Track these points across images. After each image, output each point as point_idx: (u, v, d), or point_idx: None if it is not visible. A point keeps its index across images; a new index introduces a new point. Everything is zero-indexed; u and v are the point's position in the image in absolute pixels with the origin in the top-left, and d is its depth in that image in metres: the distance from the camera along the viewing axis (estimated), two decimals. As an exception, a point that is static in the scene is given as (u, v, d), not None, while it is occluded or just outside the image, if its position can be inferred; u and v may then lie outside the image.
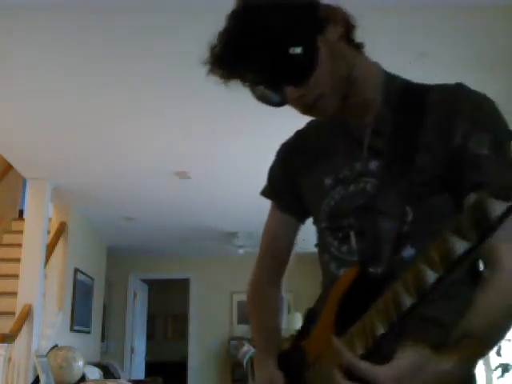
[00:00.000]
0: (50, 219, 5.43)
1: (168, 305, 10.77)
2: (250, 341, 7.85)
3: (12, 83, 3.36)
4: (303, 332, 1.03)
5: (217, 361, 8.48)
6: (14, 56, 3.05)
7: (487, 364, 3.97)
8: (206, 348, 8.50)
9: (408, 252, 0.88)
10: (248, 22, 0.88)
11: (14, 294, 4.72)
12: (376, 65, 1.00)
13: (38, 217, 4.96)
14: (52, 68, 3.18)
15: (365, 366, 0.72)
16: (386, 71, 1.00)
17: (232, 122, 3.92)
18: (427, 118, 0.90)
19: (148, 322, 9.73)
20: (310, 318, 1.04)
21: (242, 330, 8.56)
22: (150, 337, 10.04)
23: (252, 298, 1.20)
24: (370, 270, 0.86)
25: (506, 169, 0.60)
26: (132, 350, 8.50)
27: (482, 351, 0.77)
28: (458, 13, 2.69)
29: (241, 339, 8.17)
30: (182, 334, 9.74)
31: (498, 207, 0.56)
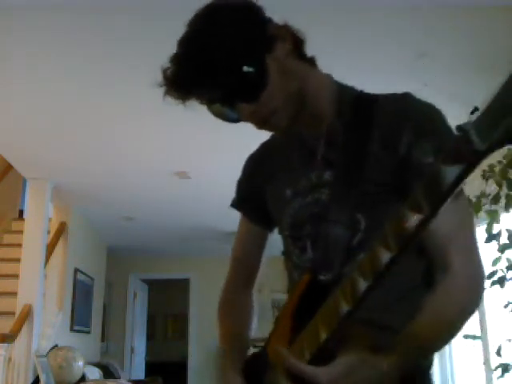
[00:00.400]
0: (50, 219, 5.43)
1: (168, 305, 10.77)
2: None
3: (12, 83, 3.37)
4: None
5: (217, 361, 8.47)
6: (14, 56, 3.05)
7: (487, 364, 3.96)
8: (206, 348, 8.50)
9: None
10: (198, 44, 0.91)
11: (14, 293, 4.72)
12: (328, 77, 1.02)
13: (38, 217, 4.96)
14: (52, 68, 3.18)
15: (304, 368, 0.76)
16: (338, 83, 1.02)
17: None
18: (375, 128, 0.93)
19: (148, 322, 9.74)
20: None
21: (242, 330, 8.56)
22: (150, 337, 10.04)
23: (222, 305, 1.24)
24: (321, 277, 0.89)
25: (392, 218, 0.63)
26: (132, 350, 8.51)
27: (424, 352, 0.83)
28: (458, 13, 2.69)
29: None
30: (182, 334, 9.74)
31: (449, 174, 0.58)
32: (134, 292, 8.79)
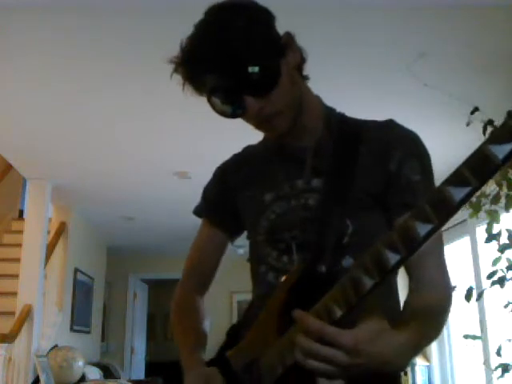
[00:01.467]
0: (50, 219, 5.44)
1: (168, 305, 10.43)
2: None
3: (12, 83, 3.36)
4: (228, 344, 1.12)
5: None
6: (14, 56, 3.05)
7: (487, 364, 3.96)
8: (206, 348, 8.49)
9: (347, 261, 0.95)
10: (221, 29, 0.92)
11: (14, 293, 4.72)
12: (318, 97, 1.09)
13: (38, 217, 4.96)
14: (52, 68, 3.18)
15: (328, 328, 0.75)
16: (325, 104, 1.09)
17: (232, 122, 3.91)
18: (364, 145, 1.01)
19: (148, 322, 9.73)
20: (236, 330, 1.15)
21: (242, 330, 8.56)
22: (150, 337, 10.04)
23: (177, 309, 1.27)
24: (316, 268, 0.92)
25: (433, 193, 0.67)
26: (132, 350, 8.51)
27: (423, 341, 0.87)
28: (458, 13, 2.69)
29: (241, 339, 8.18)
30: (182, 333, 9.73)
31: (422, 228, 0.66)
32: (134, 292, 8.79)
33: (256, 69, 0.91)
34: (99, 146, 4.36)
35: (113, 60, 3.11)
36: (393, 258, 0.69)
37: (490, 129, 3.13)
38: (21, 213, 6.79)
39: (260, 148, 1.16)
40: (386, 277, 0.71)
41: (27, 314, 4.53)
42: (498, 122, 3.16)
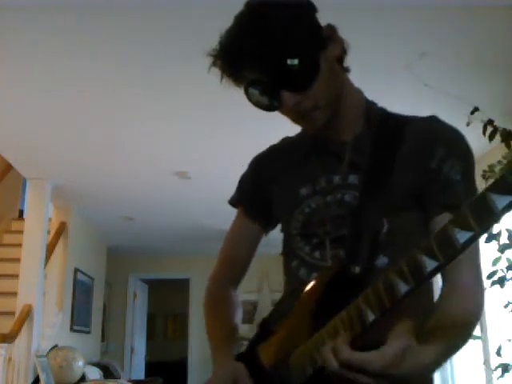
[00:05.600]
0: (50, 219, 5.43)
1: (168, 305, 10.77)
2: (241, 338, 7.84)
3: (12, 83, 3.36)
4: (258, 338, 1.08)
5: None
6: (14, 56, 3.05)
7: (487, 364, 3.96)
8: (206, 348, 8.39)
9: (381, 261, 0.93)
10: (259, 23, 0.91)
11: (14, 293, 4.72)
12: (359, 91, 1.07)
13: (38, 217, 4.95)
14: (52, 68, 3.18)
15: (355, 354, 0.74)
16: (367, 98, 1.07)
17: (232, 123, 3.92)
18: (405, 142, 0.98)
19: (148, 321, 9.73)
20: (268, 323, 1.09)
21: (243, 329, 8.54)
22: (150, 337, 10.04)
23: (208, 300, 1.23)
24: (351, 268, 0.90)
25: (472, 196, 0.64)
26: (132, 350, 8.51)
27: (450, 350, 0.86)
28: (458, 13, 2.69)
29: (241, 339, 8.17)
30: (182, 333, 9.74)
31: (461, 236, 0.64)
32: (134, 292, 8.79)
33: (294, 64, 0.89)
34: (99, 146, 4.36)
35: (113, 61, 3.11)
36: (430, 264, 0.67)
37: (490, 129, 3.13)
38: (21, 213, 6.79)
39: (298, 140, 1.13)
40: (422, 283, 0.70)
41: (27, 314, 4.52)
42: (497, 122, 3.16)
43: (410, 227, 0.96)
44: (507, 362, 3.14)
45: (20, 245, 4.92)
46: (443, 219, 0.68)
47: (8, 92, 3.47)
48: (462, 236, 0.64)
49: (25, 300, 4.60)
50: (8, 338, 4.21)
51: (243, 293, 8.56)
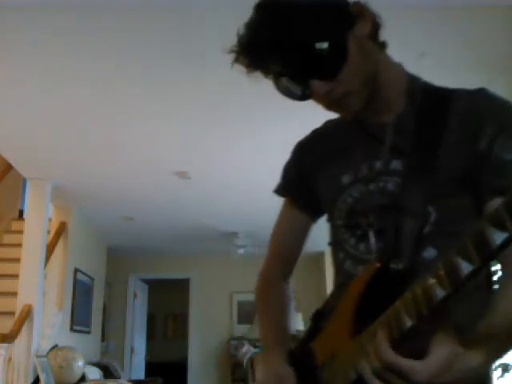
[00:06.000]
0: (50, 219, 5.43)
1: (168, 305, 10.77)
2: (250, 341, 7.85)
3: (12, 84, 3.36)
4: (311, 332, 1.02)
5: (217, 361, 8.48)
6: (14, 56, 3.05)
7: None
8: (206, 348, 8.50)
9: (429, 252, 0.87)
10: (278, 13, 0.87)
11: (14, 293, 4.72)
12: (399, 66, 0.99)
13: (38, 217, 4.95)
14: (52, 68, 3.18)
15: (401, 361, 0.71)
16: (408, 73, 1.00)
17: (232, 123, 3.92)
18: (451, 120, 0.90)
19: (148, 322, 9.73)
20: (319, 318, 1.03)
21: (242, 329, 8.55)
22: (150, 337, 10.04)
23: (260, 294, 1.18)
24: (392, 265, 0.85)
25: None
26: (132, 350, 8.50)
27: (502, 350, 0.79)
28: (457, 13, 2.69)
29: (241, 339, 8.18)
30: (182, 333, 9.74)
31: (497, 236, 0.59)
32: (134, 292, 8.79)
33: (320, 51, 0.85)
34: (99, 146, 4.36)
35: (113, 61, 3.11)
36: (466, 267, 0.63)
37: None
38: (21, 213, 6.79)
39: (340, 123, 1.05)
40: (459, 288, 0.65)
41: (27, 314, 4.52)
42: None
43: (460, 215, 0.88)
44: (507, 362, 3.14)
45: (20, 245, 4.92)
46: (496, 205, 0.60)
47: (8, 92, 3.47)
48: (499, 236, 0.59)
49: (25, 300, 4.60)
50: (8, 338, 4.21)
51: (240, 293, 8.57)
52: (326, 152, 1.05)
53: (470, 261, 0.62)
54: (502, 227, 0.58)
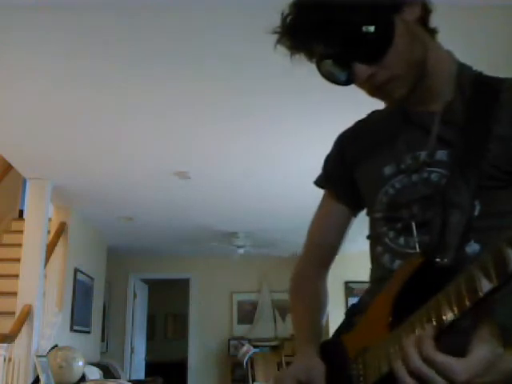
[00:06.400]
0: (49, 219, 5.43)
1: (168, 305, 10.77)
2: (250, 341, 7.86)
3: (12, 83, 3.36)
4: (344, 326, 1.01)
5: (217, 361, 8.48)
6: (14, 56, 3.05)
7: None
8: (206, 348, 8.51)
9: (472, 247, 0.84)
10: None
11: (14, 294, 4.72)
12: (449, 53, 0.97)
13: (38, 217, 4.95)
14: (51, 68, 3.17)
15: (442, 359, 0.68)
16: (458, 61, 0.96)
17: (232, 123, 3.92)
18: (502, 110, 0.86)
19: (148, 321, 9.74)
20: (353, 313, 1.01)
21: (242, 329, 8.56)
22: (150, 337, 10.05)
23: (295, 288, 1.15)
24: (437, 260, 0.81)
25: None
26: (132, 350, 8.51)
27: None
28: (457, 13, 2.69)
29: (241, 339, 8.18)
30: (182, 333, 9.74)
31: None
32: (134, 292, 8.79)
33: (364, 33, 0.82)
34: (99, 146, 4.36)
35: (113, 61, 3.11)
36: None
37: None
38: (21, 213, 6.79)
39: (385, 114, 1.02)
40: (507, 282, 0.60)
41: (27, 314, 4.52)
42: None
43: (505, 208, 0.86)
44: None
45: (20, 245, 4.92)
46: None
47: (8, 92, 3.47)
48: None
49: (25, 300, 4.60)
50: (8, 338, 4.21)
51: (240, 293, 8.58)
52: (369, 142, 1.02)
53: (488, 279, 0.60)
54: None
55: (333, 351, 0.97)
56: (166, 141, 4.29)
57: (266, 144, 4.27)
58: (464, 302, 0.64)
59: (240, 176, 4.93)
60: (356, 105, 3.39)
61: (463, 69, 0.95)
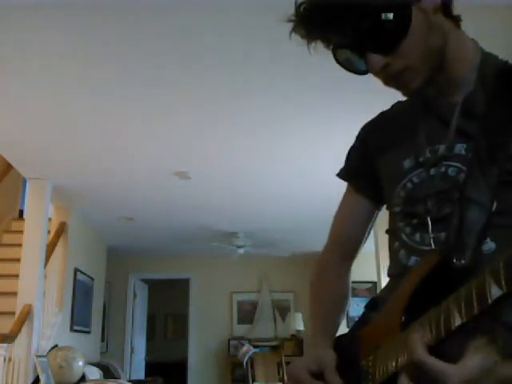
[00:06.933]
0: (49, 219, 5.43)
1: (168, 305, 10.77)
2: (250, 341, 7.86)
3: (12, 83, 3.36)
4: (361, 321, 0.99)
5: (217, 361, 8.48)
6: (14, 56, 3.05)
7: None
8: (206, 348, 8.51)
9: (488, 245, 0.81)
10: None
11: (13, 294, 4.72)
12: (472, 41, 0.93)
13: (38, 217, 4.95)
14: (51, 68, 3.17)
15: (434, 362, 0.66)
16: (483, 49, 0.93)
17: (232, 123, 3.92)
18: None
19: (148, 321, 9.74)
20: (371, 307, 1.00)
21: (242, 329, 8.56)
22: (150, 337, 10.05)
23: (312, 281, 1.13)
24: (454, 260, 0.77)
25: None
26: (132, 350, 8.51)
27: None
28: (457, 13, 2.69)
29: (241, 339, 8.18)
30: (182, 334, 9.75)
31: None
32: (134, 292, 8.79)
33: (378, 24, 0.81)
34: (99, 146, 4.37)
35: (113, 61, 3.11)
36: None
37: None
38: (21, 213, 6.79)
39: (407, 105, 0.99)
40: None
41: (27, 314, 4.52)
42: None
43: None
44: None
45: (20, 245, 4.92)
46: None
47: (8, 92, 3.47)
48: None
49: (25, 300, 4.60)
50: (8, 338, 4.21)
51: (240, 293, 8.58)
52: (390, 134, 1.00)
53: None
54: None
55: (346, 345, 0.96)
56: (165, 141, 4.30)
57: (265, 144, 4.27)
58: (473, 309, 0.63)
59: (240, 176, 4.95)
60: (356, 105, 3.40)
61: (487, 58, 0.91)
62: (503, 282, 0.58)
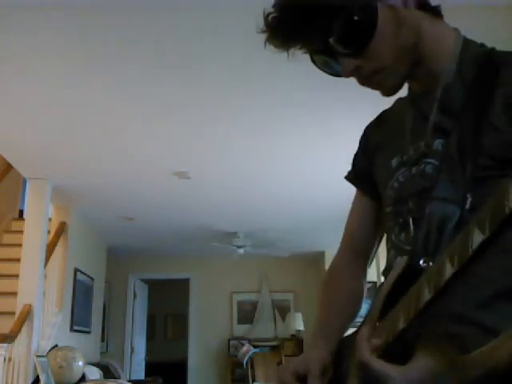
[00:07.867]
0: (50, 219, 5.43)
1: (168, 305, 10.77)
2: (250, 341, 7.86)
3: (12, 83, 3.36)
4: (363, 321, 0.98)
5: (217, 361, 8.48)
6: (14, 56, 3.05)
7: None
8: (206, 348, 8.51)
9: None
10: None
11: (14, 294, 4.72)
12: (454, 31, 0.89)
13: (38, 217, 4.96)
14: (51, 68, 3.18)
15: (376, 364, 0.67)
16: (466, 38, 0.89)
17: (232, 123, 3.92)
18: (499, 92, 0.79)
19: (148, 321, 9.74)
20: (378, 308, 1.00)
21: (242, 330, 8.56)
22: (150, 337, 10.05)
23: (327, 281, 1.11)
24: (421, 262, 0.74)
25: None
26: (132, 350, 8.51)
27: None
28: (457, 13, 2.68)
29: (241, 339, 8.18)
30: (182, 334, 9.74)
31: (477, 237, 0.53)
32: (134, 292, 8.79)
33: (343, 28, 0.79)
34: (99, 146, 4.37)
35: (113, 61, 3.11)
36: (476, 242, 0.55)
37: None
38: (21, 213, 6.79)
39: (405, 101, 0.96)
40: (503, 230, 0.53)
41: (27, 314, 4.53)
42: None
43: None
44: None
45: (20, 245, 4.92)
46: None
47: (8, 92, 3.47)
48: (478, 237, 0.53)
49: (25, 300, 4.60)
50: (8, 338, 4.21)
51: (240, 293, 8.58)
52: (385, 133, 0.99)
53: (482, 230, 0.54)
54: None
55: (342, 346, 0.96)
56: (165, 141, 4.30)
57: (265, 144, 4.27)
58: (411, 312, 0.63)
59: (240, 176, 4.95)
60: (356, 105, 3.39)
61: (468, 47, 0.87)
62: (433, 287, 0.59)
